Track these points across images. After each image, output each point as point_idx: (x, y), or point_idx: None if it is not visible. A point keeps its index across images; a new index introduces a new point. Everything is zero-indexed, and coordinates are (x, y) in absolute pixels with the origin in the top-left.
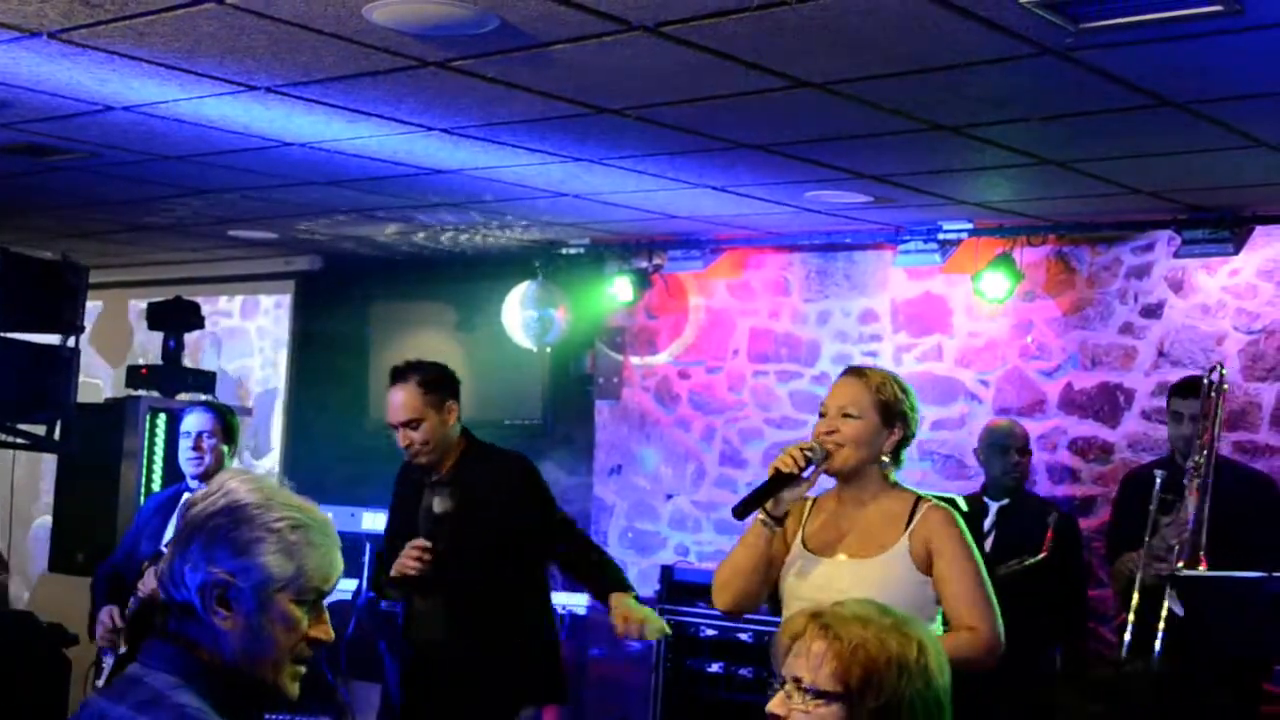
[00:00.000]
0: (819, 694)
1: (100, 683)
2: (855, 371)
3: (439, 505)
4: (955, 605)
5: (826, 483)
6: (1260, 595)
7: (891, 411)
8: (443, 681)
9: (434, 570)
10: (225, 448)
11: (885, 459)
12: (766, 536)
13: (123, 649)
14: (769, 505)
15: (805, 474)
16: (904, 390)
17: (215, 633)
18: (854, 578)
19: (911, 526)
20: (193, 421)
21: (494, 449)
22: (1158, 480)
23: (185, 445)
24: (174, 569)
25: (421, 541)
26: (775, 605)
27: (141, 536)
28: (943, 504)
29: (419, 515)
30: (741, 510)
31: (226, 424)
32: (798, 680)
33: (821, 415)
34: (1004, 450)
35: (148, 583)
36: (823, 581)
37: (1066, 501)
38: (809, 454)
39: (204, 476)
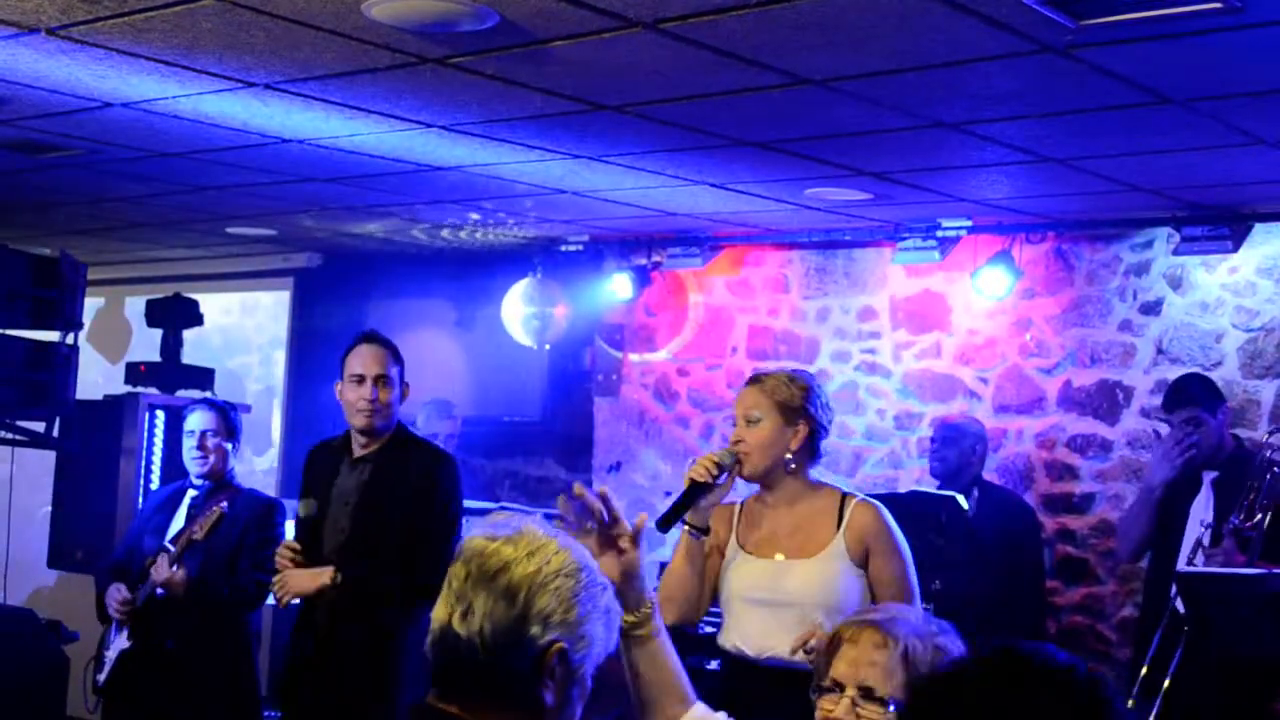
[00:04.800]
0: (898, 705)
1: (101, 678)
2: (754, 379)
3: (352, 480)
4: (885, 598)
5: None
6: (1259, 593)
7: (790, 410)
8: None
9: (337, 557)
10: (228, 446)
11: (789, 456)
12: (695, 547)
13: (126, 644)
14: (691, 517)
15: (719, 481)
16: (800, 387)
17: (538, 703)
18: (796, 576)
19: (844, 524)
20: (196, 420)
21: (424, 442)
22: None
23: (189, 444)
24: (498, 627)
25: (291, 544)
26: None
27: (144, 533)
28: (869, 500)
29: (332, 494)
30: (664, 522)
31: (229, 422)
32: (866, 689)
33: (734, 425)
34: (932, 439)
35: (160, 572)
36: (765, 581)
37: (1064, 500)
38: (720, 462)
39: (208, 475)
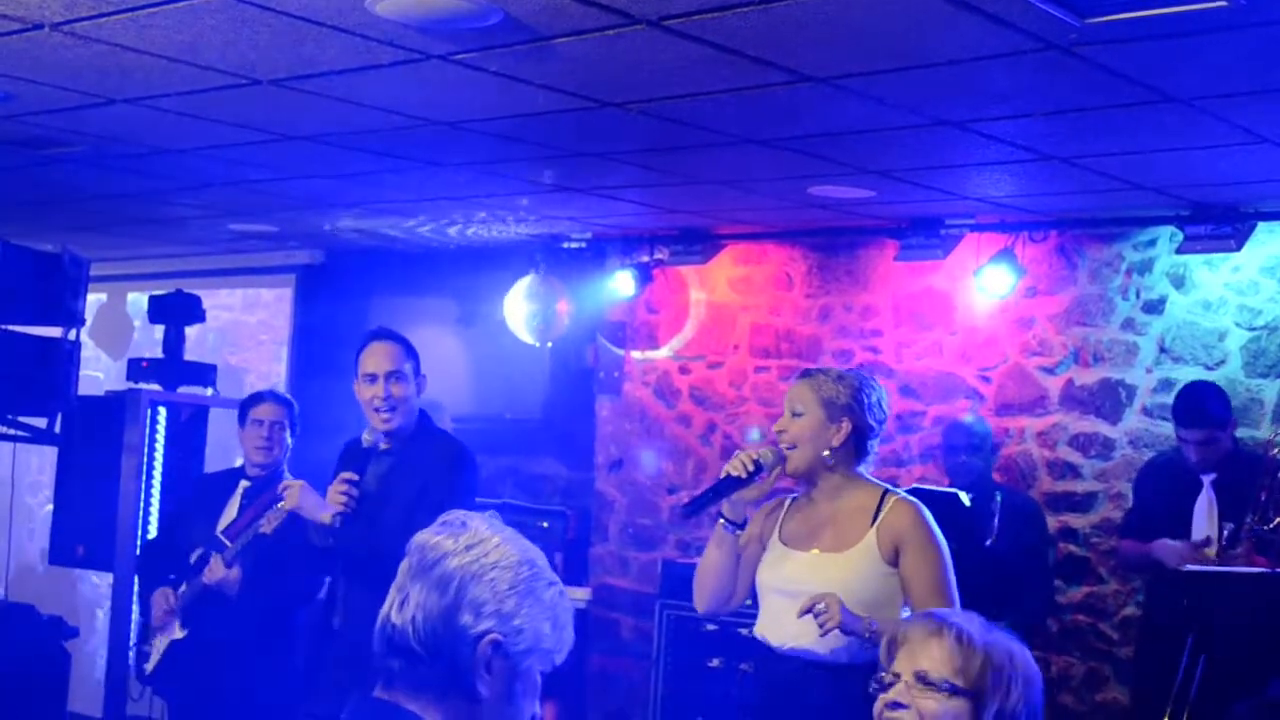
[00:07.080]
0: (952, 689)
1: (148, 668)
2: (804, 373)
3: (375, 473)
4: (920, 595)
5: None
6: (1260, 592)
7: (834, 407)
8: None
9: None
10: (289, 440)
11: (828, 453)
12: (728, 540)
13: (179, 634)
14: (726, 510)
15: (757, 478)
16: (848, 386)
17: (473, 694)
18: (826, 570)
19: (878, 520)
20: (266, 410)
21: (443, 434)
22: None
23: (255, 433)
24: (430, 615)
25: (348, 474)
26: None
27: (189, 519)
28: (909, 498)
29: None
30: (689, 509)
31: (293, 416)
32: (921, 674)
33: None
34: (954, 448)
35: (215, 573)
36: (796, 574)
37: (1066, 499)
38: (759, 459)
39: (269, 465)
